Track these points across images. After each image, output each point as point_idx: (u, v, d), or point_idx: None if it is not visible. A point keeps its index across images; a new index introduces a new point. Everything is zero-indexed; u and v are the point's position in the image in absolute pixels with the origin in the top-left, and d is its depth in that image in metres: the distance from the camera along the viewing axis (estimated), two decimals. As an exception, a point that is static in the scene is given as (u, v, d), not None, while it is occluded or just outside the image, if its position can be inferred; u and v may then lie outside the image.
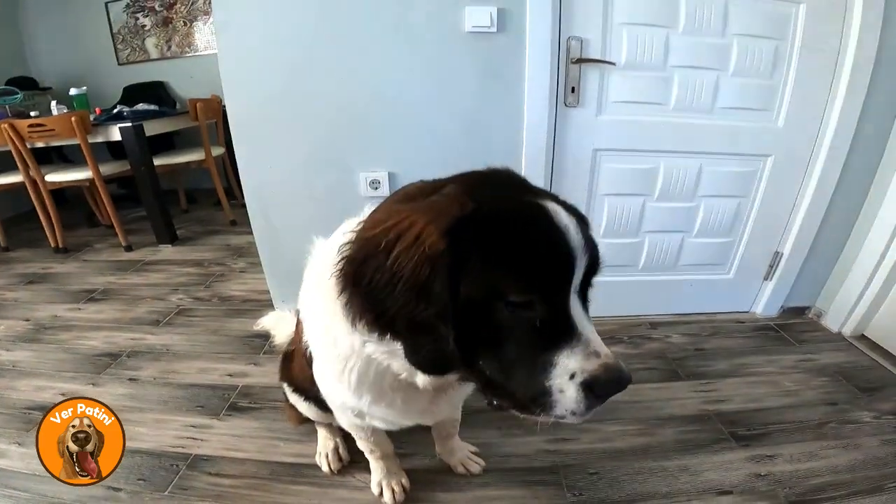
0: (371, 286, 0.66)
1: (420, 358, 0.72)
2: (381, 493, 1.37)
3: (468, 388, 0.96)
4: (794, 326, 2.24)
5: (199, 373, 1.97)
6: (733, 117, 1.92)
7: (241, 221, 3.60)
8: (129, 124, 3.14)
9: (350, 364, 0.88)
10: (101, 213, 3.64)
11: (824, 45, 1.80)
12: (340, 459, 1.48)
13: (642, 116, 1.91)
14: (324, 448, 1.50)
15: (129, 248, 3.43)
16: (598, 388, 0.63)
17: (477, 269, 0.63)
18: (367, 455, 1.34)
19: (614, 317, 2.31)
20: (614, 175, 2.01)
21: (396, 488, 1.37)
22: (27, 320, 2.51)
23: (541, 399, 0.65)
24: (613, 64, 1.82)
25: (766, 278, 2.25)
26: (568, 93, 1.85)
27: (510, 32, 1.77)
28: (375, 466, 1.38)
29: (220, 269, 3.08)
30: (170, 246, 3.51)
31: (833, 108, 1.86)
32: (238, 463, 1.51)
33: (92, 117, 3.27)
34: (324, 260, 0.82)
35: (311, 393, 1.24)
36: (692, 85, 1.86)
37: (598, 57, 1.81)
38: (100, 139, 3.23)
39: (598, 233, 1.98)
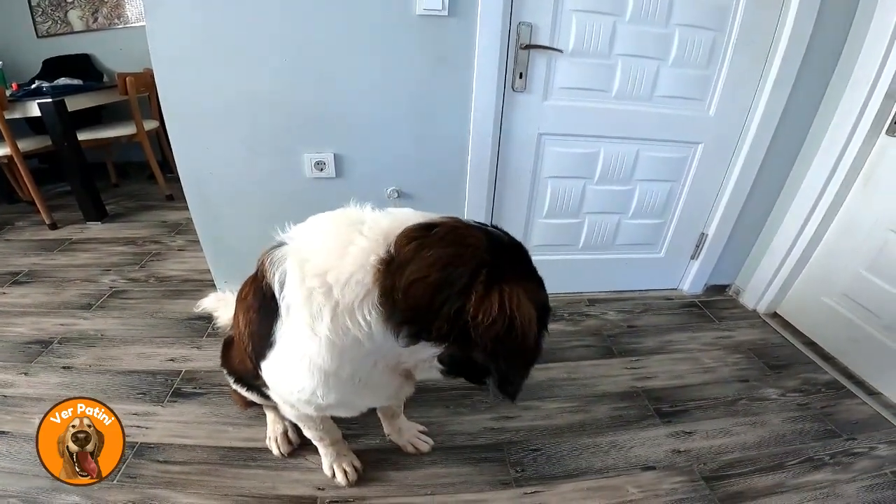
0: (507, 343, 0.82)
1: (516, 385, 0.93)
2: (333, 475, 1.41)
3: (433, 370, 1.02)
4: (715, 304, 2.43)
5: (139, 358, 1.90)
6: (670, 105, 2.01)
7: (178, 196, 3.41)
8: (49, 100, 2.91)
9: (346, 358, 0.88)
10: (21, 188, 3.36)
11: (758, 38, 1.90)
12: (290, 443, 1.51)
13: (586, 102, 1.96)
14: (273, 432, 1.52)
15: (53, 226, 3.19)
16: None
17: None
18: (315, 442, 1.37)
19: (556, 293, 2.37)
20: (558, 158, 2.07)
21: (348, 469, 1.42)
22: None
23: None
24: (561, 51, 1.85)
25: (692, 257, 2.42)
26: (516, 78, 1.88)
27: (461, 16, 1.75)
28: (325, 452, 1.41)
29: (156, 248, 2.93)
30: (99, 223, 3.29)
31: (760, 99, 1.99)
32: (187, 449, 1.50)
33: (8, 93, 2.99)
34: (320, 259, 0.84)
35: (252, 383, 1.25)
36: (634, 73, 1.93)
37: (546, 44, 1.83)
38: (17, 115, 2.97)
39: (541, 213, 2.08)
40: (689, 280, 2.46)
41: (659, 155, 2.12)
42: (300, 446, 1.50)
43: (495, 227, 0.93)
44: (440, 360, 0.89)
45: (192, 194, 2.00)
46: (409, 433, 1.55)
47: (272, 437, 1.51)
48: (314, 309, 0.83)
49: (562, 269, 2.36)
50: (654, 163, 2.14)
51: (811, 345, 2.15)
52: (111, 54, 4.24)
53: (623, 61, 1.91)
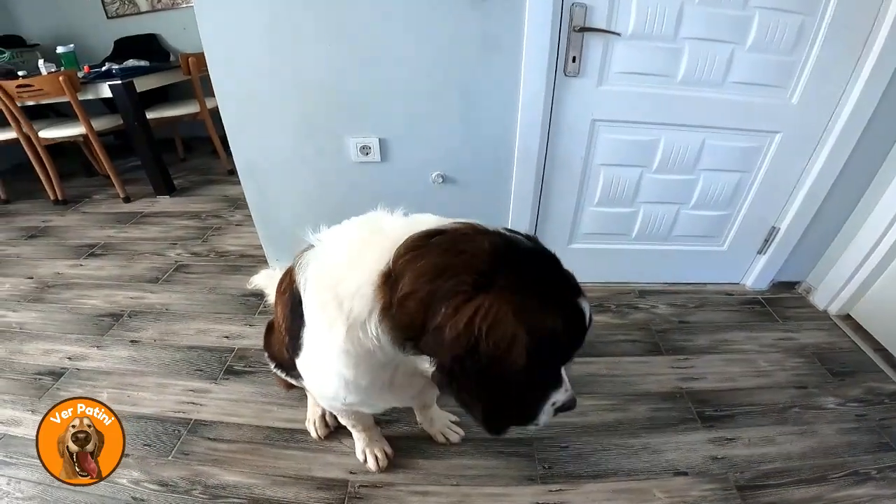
0: (481, 380, 0.75)
1: (498, 420, 0.86)
2: (365, 460, 1.48)
3: None
4: (781, 301, 2.26)
5: (198, 334, 2.06)
6: (745, 92, 1.82)
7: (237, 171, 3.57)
8: (119, 82, 3.10)
9: (356, 367, 0.89)
10: (98, 164, 3.63)
11: (854, 25, 1.66)
12: (327, 426, 1.59)
13: (646, 88, 1.81)
14: (312, 415, 1.60)
15: (127, 200, 3.46)
16: (561, 409, 0.90)
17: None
18: (349, 428, 1.43)
19: (604, 283, 2.34)
20: (612, 146, 1.95)
21: (379, 455, 1.48)
22: (30, 278, 2.58)
23: (535, 419, 0.88)
24: (618, 34, 1.70)
25: (759, 252, 2.24)
26: (568, 61, 1.76)
27: (508, -3, 1.67)
28: (358, 437, 1.48)
29: (216, 222, 3.10)
30: (167, 197, 3.53)
31: (853, 90, 1.75)
32: (235, 428, 1.62)
33: (81, 75, 3.19)
34: (334, 270, 0.84)
35: (291, 371, 1.30)
36: (703, 58, 1.75)
37: (602, 26, 1.69)
38: (90, 96, 3.18)
39: (591, 201, 1.99)
40: (754, 275, 2.29)
41: (728, 144, 1.94)
42: (336, 430, 1.58)
43: (521, 234, 0.82)
44: (432, 377, 0.81)
45: (244, 174, 2.08)
46: (440, 423, 1.59)
47: (311, 419, 1.60)
48: (328, 320, 0.83)
49: (611, 259, 2.27)
50: (723, 152, 1.96)
51: (882, 351, 1.96)
52: (176, 34, 4.37)
53: (691, 45, 1.73)
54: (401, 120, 1.91)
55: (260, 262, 2.47)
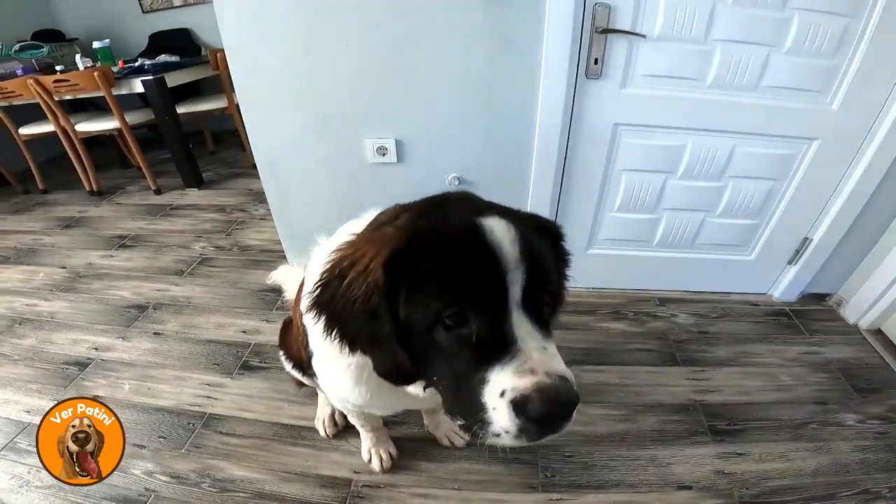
0: (333, 308, 0.73)
1: (383, 371, 0.79)
2: (369, 460, 1.51)
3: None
4: (810, 314, 2.16)
5: (217, 328, 2.12)
6: (780, 97, 1.72)
7: None
8: (151, 77, 3.17)
9: (361, 371, 0.92)
10: (131, 156, 3.74)
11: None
12: (336, 425, 1.62)
13: (673, 91, 1.73)
14: (321, 413, 1.64)
15: (158, 192, 3.57)
16: (530, 410, 0.61)
17: (412, 294, 0.67)
18: (358, 427, 1.46)
19: (623, 289, 2.29)
20: (635, 151, 1.88)
21: (384, 456, 1.51)
22: (63, 268, 2.71)
23: (479, 416, 0.65)
24: (644, 36, 1.62)
25: (790, 262, 2.14)
26: (590, 64, 1.69)
27: (527, -4, 1.61)
28: (365, 436, 1.50)
29: (241, 216, 3.17)
30: (196, 189, 3.62)
31: (898, 96, 1.64)
32: (247, 423, 1.68)
33: (115, 70, 3.28)
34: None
35: (306, 368, 1.31)
36: (736, 61, 1.66)
37: (627, 28, 1.61)
38: (124, 91, 3.26)
39: (612, 207, 1.93)
40: (783, 286, 2.19)
41: (760, 151, 1.85)
42: (344, 429, 1.61)
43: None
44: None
45: (264, 171, 2.11)
46: (446, 426, 1.60)
47: (320, 417, 1.63)
48: (316, 327, 0.82)
49: (631, 265, 2.21)
50: (754, 159, 1.87)
51: (911, 368, 1.88)
52: (208, 28, 4.37)
53: (723, 47, 1.64)
54: (417, 122, 1.88)
55: (279, 257, 2.51)
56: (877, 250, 2.00)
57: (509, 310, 0.66)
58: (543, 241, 0.75)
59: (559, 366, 0.65)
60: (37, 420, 1.69)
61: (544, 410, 0.60)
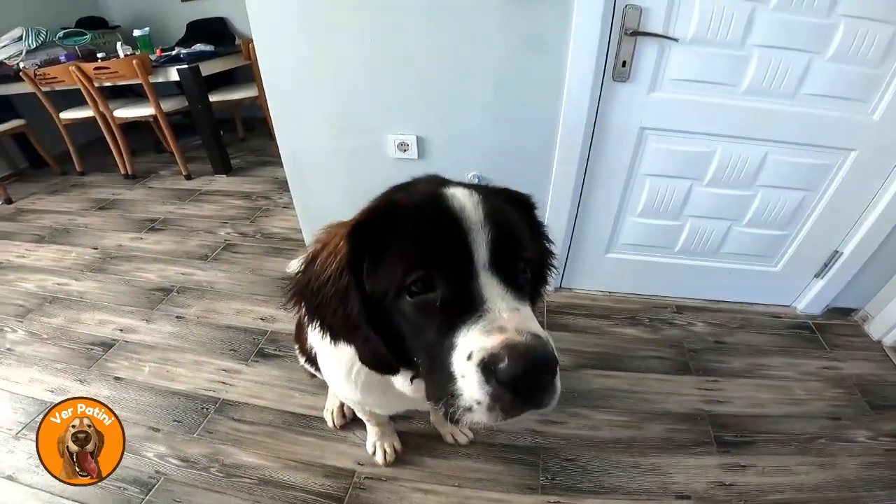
0: (309, 294, 0.73)
1: (364, 359, 0.75)
2: (374, 453, 1.53)
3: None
4: (833, 328, 2.06)
5: (237, 314, 2.15)
6: (819, 105, 1.61)
7: None
8: (186, 66, 3.20)
9: (352, 365, 0.93)
10: (165, 142, 3.78)
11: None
12: (344, 416, 1.64)
13: (704, 97, 1.63)
14: (331, 405, 1.65)
15: (189, 177, 3.62)
16: (500, 372, 0.55)
17: (375, 264, 0.67)
18: (364, 421, 1.46)
19: (640, 295, 2.22)
20: (661, 155, 1.79)
21: (388, 450, 1.52)
22: (95, 248, 2.76)
23: (449, 389, 0.60)
24: (676, 40, 1.52)
25: (817, 276, 2.03)
26: (618, 66, 1.60)
27: (554, -4, 1.53)
28: (371, 430, 1.52)
29: (265, 204, 3.19)
30: (224, 176, 3.65)
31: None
32: (258, 410, 1.70)
33: (153, 58, 3.31)
34: None
35: (314, 361, 1.32)
36: (774, 67, 1.55)
37: (658, 31, 1.52)
38: (160, 79, 3.30)
39: (633, 212, 1.86)
40: (808, 299, 2.08)
41: (794, 160, 1.74)
42: (352, 421, 1.62)
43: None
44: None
45: (288, 161, 2.11)
46: (452, 424, 1.61)
47: (329, 409, 1.65)
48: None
49: (650, 271, 2.13)
50: (786, 168, 1.76)
51: (930, 387, 1.78)
52: (242, 18, 4.27)
53: (760, 53, 1.53)
54: (439, 119, 1.84)
55: (300, 246, 2.53)
56: (909, 268, 1.89)
57: (476, 271, 0.62)
58: (513, 210, 0.72)
59: (533, 325, 0.60)
60: (59, 400, 1.76)
61: (516, 370, 0.54)
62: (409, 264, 0.63)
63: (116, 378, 1.85)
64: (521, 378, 0.55)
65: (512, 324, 0.58)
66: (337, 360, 0.94)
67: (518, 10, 1.56)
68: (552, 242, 0.83)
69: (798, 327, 2.07)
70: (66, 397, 1.74)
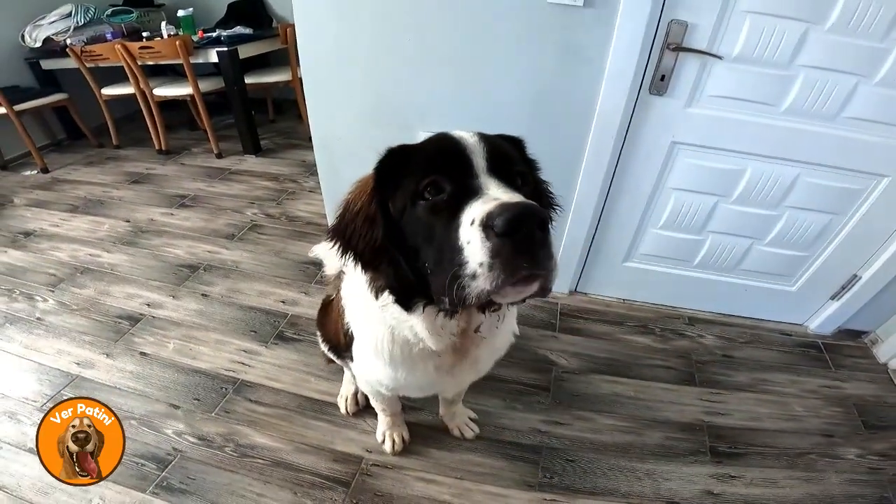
0: (343, 229, 0.83)
1: (389, 282, 0.83)
2: (383, 441, 1.54)
3: (480, 362, 1.05)
4: (841, 349, 2.01)
5: (259, 296, 2.14)
6: (859, 129, 1.53)
7: None
8: (225, 49, 3.16)
9: (381, 337, 0.97)
10: (199, 120, 3.73)
11: None
12: (357, 404, 1.65)
13: (742, 115, 1.56)
14: (345, 391, 1.67)
15: (219, 156, 3.58)
16: (496, 225, 0.60)
17: (398, 187, 0.77)
18: (377, 410, 1.48)
19: (654, 304, 2.18)
20: (690, 171, 1.73)
21: (397, 440, 1.54)
22: (127, 221, 2.75)
23: (456, 263, 0.65)
24: (721, 58, 1.44)
25: (833, 298, 1.97)
26: (656, 79, 1.53)
27: (599, 8, 1.43)
28: (382, 419, 1.53)
29: (292, 186, 3.15)
30: (253, 156, 3.61)
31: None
32: (274, 393, 1.71)
33: (195, 39, 3.25)
34: None
35: (338, 348, 1.35)
36: (819, 88, 1.47)
37: (702, 47, 1.44)
38: (200, 60, 3.25)
39: (656, 223, 1.91)
40: (820, 319, 2.03)
41: (825, 183, 1.66)
42: (364, 409, 1.63)
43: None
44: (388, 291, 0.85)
45: (318, 145, 2.06)
46: (460, 418, 1.61)
47: (343, 395, 1.66)
48: (360, 294, 0.95)
49: (666, 282, 2.08)
50: (816, 190, 1.69)
51: (928, 411, 1.76)
52: (281, 1, 4.18)
53: (807, 73, 1.45)
54: (469, 120, 1.74)
55: (324, 231, 2.39)
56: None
57: (476, 173, 0.73)
58: (506, 142, 0.86)
59: (527, 201, 0.67)
60: (85, 373, 1.80)
61: (508, 217, 0.60)
62: (422, 174, 0.74)
63: (142, 353, 1.87)
64: (514, 224, 0.60)
65: (506, 196, 0.66)
66: (371, 335, 0.99)
67: (562, 19, 1.48)
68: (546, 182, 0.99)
69: (806, 346, 2.04)
70: (92, 370, 1.80)
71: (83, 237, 2.60)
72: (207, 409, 1.66)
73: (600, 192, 1.82)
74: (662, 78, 1.52)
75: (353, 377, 1.60)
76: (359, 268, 0.85)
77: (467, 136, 0.77)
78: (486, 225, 0.61)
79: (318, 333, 1.54)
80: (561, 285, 2.14)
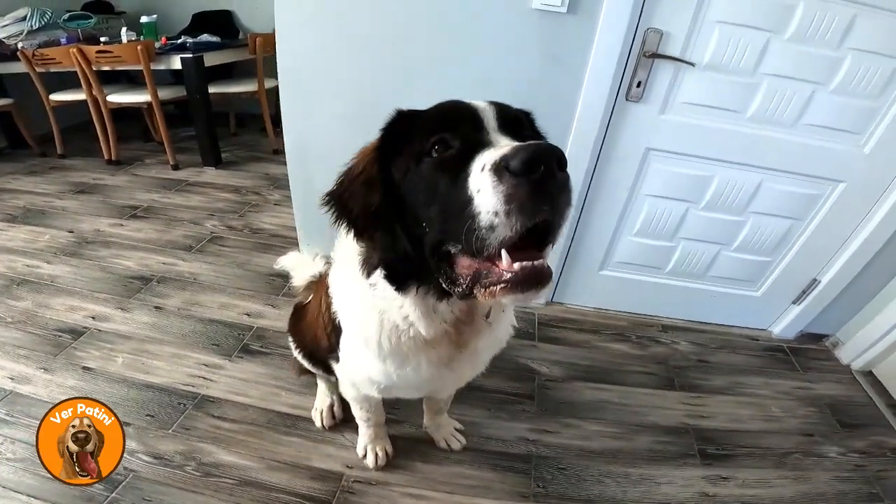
0: (340, 192, 0.80)
1: (384, 254, 0.79)
2: (364, 455, 1.43)
3: (480, 354, 0.99)
4: (805, 352, 2.10)
5: (221, 308, 2.00)
6: (817, 136, 1.64)
7: (283, 151, 3.29)
8: (190, 55, 3.07)
9: (369, 323, 0.90)
10: (155, 130, 3.60)
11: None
12: (334, 417, 1.54)
13: (710, 122, 1.64)
14: (321, 404, 1.55)
15: (176, 167, 3.43)
16: (511, 165, 0.55)
17: (405, 148, 0.74)
18: (359, 422, 1.38)
19: (629, 313, 2.21)
20: (663, 177, 1.78)
21: (380, 453, 1.43)
22: (71, 232, 2.55)
23: (467, 217, 0.59)
24: (693, 65, 1.51)
25: (794, 302, 2.06)
26: (632, 86, 1.59)
27: (581, 15, 1.49)
28: (364, 432, 1.42)
29: (255, 199, 3.04)
30: (213, 168, 3.48)
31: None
32: (241, 408, 1.57)
33: (157, 45, 3.16)
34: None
35: (314, 353, 1.29)
36: (780, 96, 1.57)
37: (676, 54, 1.51)
38: (162, 67, 3.14)
39: (631, 230, 1.87)
40: (783, 324, 2.12)
41: (786, 188, 1.76)
42: (341, 422, 1.53)
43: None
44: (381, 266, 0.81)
45: (292, 154, 1.99)
46: (445, 429, 1.53)
47: (318, 408, 1.55)
48: (348, 281, 0.92)
49: (640, 290, 2.12)
50: (779, 196, 1.78)
51: (896, 408, 1.86)
52: (249, 12, 4.21)
53: (769, 81, 1.55)
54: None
55: (291, 243, 2.39)
56: (881, 297, 1.95)
57: (486, 129, 0.70)
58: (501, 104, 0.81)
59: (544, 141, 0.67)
60: (20, 389, 1.60)
61: (526, 156, 0.54)
62: (431, 132, 0.70)
63: (85, 368, 1.68)
64: (532, 162, 0.54)
65: (514, 144, 0.59)
66: (360, 322, 0.93)
67: (544, 25, 1.53)
68: None
69: (773, 350, 2.11)
70: (28, 386, 1.60)
71: (21, 248, 2.37)
72: (163, 426, 1.49)
73: (577, 200, 1.83)
74: (639, 84, 1.58)
75: (329, 389, 1.54)
76: (351, 235, 0.80)
77: (477, 100, 0.75)
78: (499, 168, 0.57)
79: (292, 341, 1.44)
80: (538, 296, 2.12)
